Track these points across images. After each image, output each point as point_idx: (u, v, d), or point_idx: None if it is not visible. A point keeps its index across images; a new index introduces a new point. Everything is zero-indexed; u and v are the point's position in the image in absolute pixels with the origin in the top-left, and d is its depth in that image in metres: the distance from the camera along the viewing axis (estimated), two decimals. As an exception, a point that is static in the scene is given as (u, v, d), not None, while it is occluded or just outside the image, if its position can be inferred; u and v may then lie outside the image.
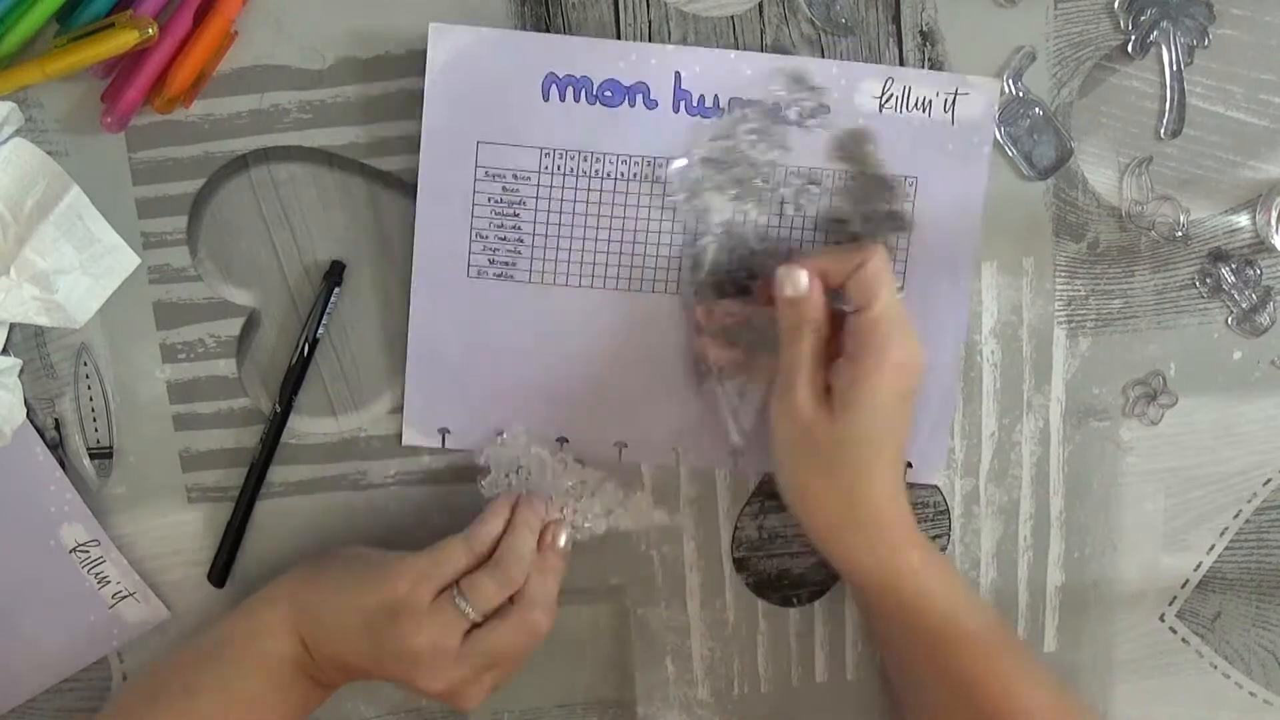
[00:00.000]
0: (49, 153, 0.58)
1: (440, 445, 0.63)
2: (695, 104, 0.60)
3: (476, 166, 0.60)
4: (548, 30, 0.60)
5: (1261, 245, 0.64)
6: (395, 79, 0.60)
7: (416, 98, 0.60)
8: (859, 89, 0.61)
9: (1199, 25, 0.62)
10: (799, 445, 0.58)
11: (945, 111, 0.61)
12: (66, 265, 0.57)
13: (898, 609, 0.59)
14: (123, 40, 0.54)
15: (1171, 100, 0.63)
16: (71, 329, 0.60)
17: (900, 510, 0.59)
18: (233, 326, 0.62)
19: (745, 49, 0.61)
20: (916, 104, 0.61)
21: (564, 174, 0.61)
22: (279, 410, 0.62)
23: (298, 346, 0.61)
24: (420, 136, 0.60)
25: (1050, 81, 0.62)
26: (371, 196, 0.61)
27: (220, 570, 0.63)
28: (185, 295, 0.62)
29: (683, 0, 0.61)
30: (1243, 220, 0.64)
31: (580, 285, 0.62)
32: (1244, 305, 0.64)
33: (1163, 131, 0.63)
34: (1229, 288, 0.64)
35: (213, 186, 0.61)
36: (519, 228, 0.61)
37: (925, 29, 0.62)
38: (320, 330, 0.61)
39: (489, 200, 0.61)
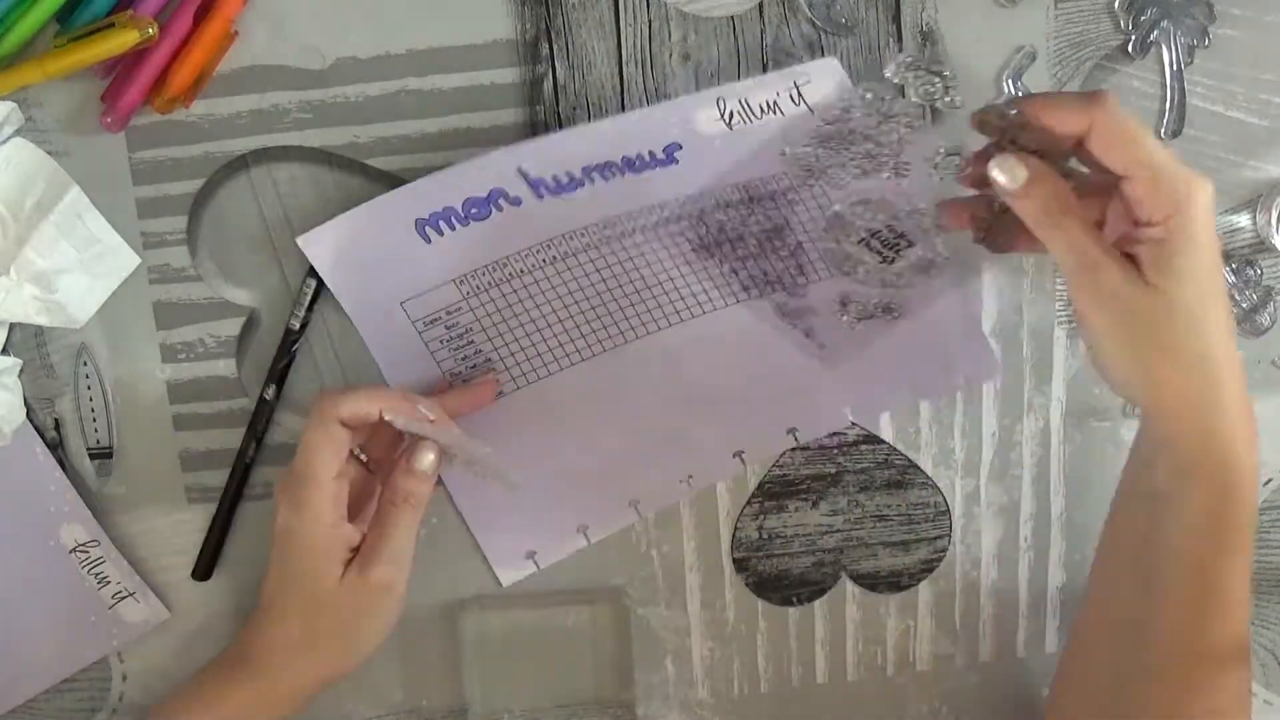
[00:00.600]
0: (49, 153, 0.58)
1: (536, 569, 0.65)
2: (552, 185, 0.60)
3: (412, 323, 0.61)
4: (549, 35, 0.61)
5: (1261, 245, 0.64)
6: (395, 79, 0.60)
7: (417, 97, 0.60)
8: (696, 119, 0.60)
9: (1199, 25, 0.62)
10: (1129, 329, 0.52)
11: (796, 104, 0.60)
12: (67, 265, 0.57)
13: (1208, 479, 0.53)
14: (123, 40, 0.54)
15: (1171, 100, 0.63)
16: (71, 329, 0.60)
17: (1241, 377, 0.52)
18: (233, 326, 0.62)
19: (745, 49, 0.61)
20: (762, 109, 0.60)
21: (485, 289, 0.62)
22: (267, 399, 0.62)
23: (283, 340, 0.62)
24: (350, 316, 0.61)
25: (1050, 81, 0.62)
26: (371, 196, 0.61)
27: (206, 562, 0.63)
28: (185, 295, 0.62)
29: (683, 0, 0.61)
30: (1243, 220, 0.64)
31: (567, 365, 0.63)
32: (1244, 305, 0.64)
33: (1163, 131, 0.63)
34: (1229, 288, 0.64)
35: (213, 186, 0.61)
36: (480, 350, 0.62)
37: (925, 29, 0.62)
38: (306, 318, 0.61)
39: (442, 343, 0.62)
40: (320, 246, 0.60)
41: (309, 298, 0.61)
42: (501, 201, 0.60)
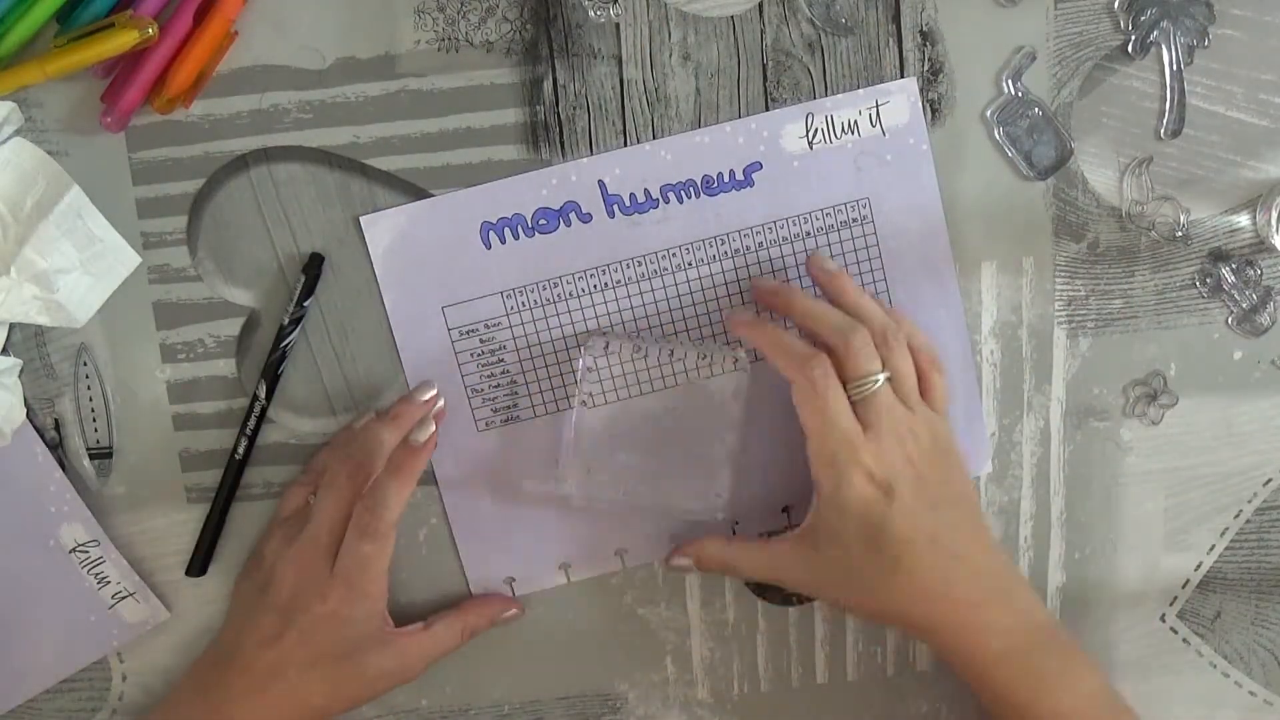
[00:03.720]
0: (49, 153, 0.58)
1: (512, 595, 0.64)
2: (627, 204, 0.61)
3: (448, 330, 0.62)
4: (549, 36, 0.61)
5: (1261, 245, 0.64)
6: (395, 79, 0.60)
7: (417, 97, 0.60)
8: (784, 134, 0.61)
9: (1199, 25, 0.62)
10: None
11: (873, 126, 0.61)
12: (67, 265, 0.57)
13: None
14: (123, 40, 0.54)
15: (1171, 100, 0.63)
16: (72, 329, 0.60)
17: (941, 603, 0.58)
18: (233, 326, 0.62)
19: (745, 49, 0.61)
20: (844, 128, 0.61)
21: (530, 307, 0.62)
22: (260, 397, 0.62)
23: (277, 333, 0.62)
24: (387, 309, 0.62)
25: (1050, 81, 0.62)
26: (371, 196, 0.61)
27: (201, 558, 0.63)
28: (185, 295, 0.62)
29: (683, 0, 0.61)
30: (1243, 220, 0.64)
31: (590, 406, 0.63)
32: (1244, 305, 0.64)
33: (1163, 131, 0.63)
34: (1229, 288, 0.64)
35: (213, 186, 0.61)
36: (507, 371, 0.62)
37: (925, 29, 0.62)
38: (297, 314, 0.61)
39: (471, 356, 0.62)
40: (379, 229, 0.61)
41: (296, 294, 0.61)
42: (572, 215, 0.61)
